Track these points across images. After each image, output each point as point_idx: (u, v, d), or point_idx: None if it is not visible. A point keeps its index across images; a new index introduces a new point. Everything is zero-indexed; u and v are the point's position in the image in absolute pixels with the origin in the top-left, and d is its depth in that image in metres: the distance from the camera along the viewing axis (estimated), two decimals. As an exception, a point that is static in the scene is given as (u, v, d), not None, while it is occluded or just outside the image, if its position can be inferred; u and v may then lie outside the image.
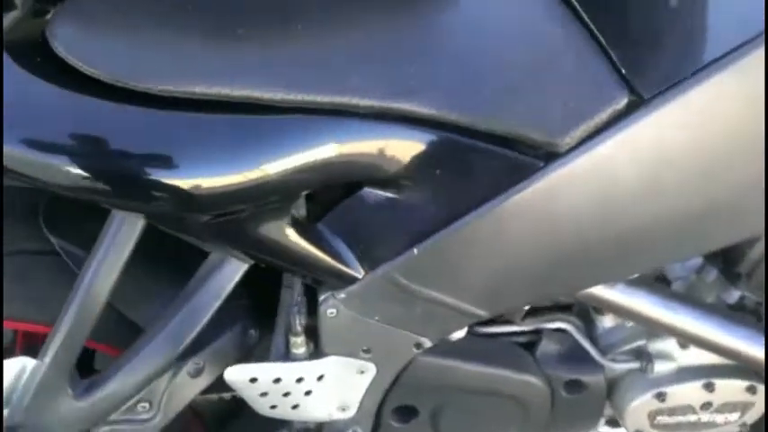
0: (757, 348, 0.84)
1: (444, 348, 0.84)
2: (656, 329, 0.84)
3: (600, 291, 0.80)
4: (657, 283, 0.86)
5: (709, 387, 0.89)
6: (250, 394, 0.76)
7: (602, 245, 0.71)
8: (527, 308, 0.88)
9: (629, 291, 0.80)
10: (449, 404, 0.87)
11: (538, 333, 0.89)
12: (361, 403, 0.82)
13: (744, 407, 0.92)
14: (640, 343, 0.89)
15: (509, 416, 0.90)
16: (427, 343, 0.78)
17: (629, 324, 0.89)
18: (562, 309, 0.91)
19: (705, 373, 0.89)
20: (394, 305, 0.74)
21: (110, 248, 0.66)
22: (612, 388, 0.91)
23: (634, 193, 0.68)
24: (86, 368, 0.84)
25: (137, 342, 0.71)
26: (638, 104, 0.66)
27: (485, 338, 0.88)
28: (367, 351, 0.78)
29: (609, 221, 0.70)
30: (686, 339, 0.84)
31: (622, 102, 0.65)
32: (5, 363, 0.66)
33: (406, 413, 0.88)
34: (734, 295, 0.89)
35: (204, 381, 0.76)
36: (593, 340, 0.90)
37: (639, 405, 0.89)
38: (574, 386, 0.89)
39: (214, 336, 0.77)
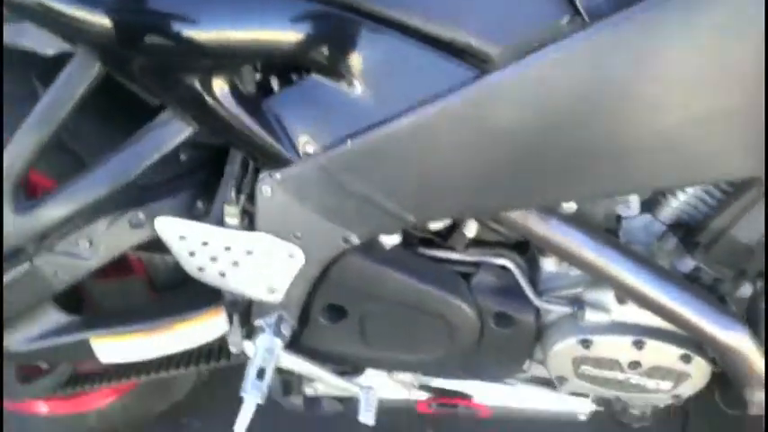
0: (692, 313, 0.81)
1: (379, 255, 0.85)
2: (584, 270, 0.83)
3: (537, 224, 0.79)
4: (599, 230, 0.84)
5: (639, 345, 0.87)
6: (179, 251, 0.80)
7: (529, 164, 0.70)
8: (470, 236, 0.89)
9: (566, 228, 0.80)
10: (377, 312, 0.89)
11: (477, 266, 0.91)
12: (289, 290, 0.84)
13: (677, 376, 0.90)
14: (578, 291, 0.88)
15: (436, 336, 0.91)
16: (355, 239, 0.79)
17: (572, 272, 0.89)
18: (507, 246, 0.92)
19: (637, 332, 0.87)
20: (325, 195, 0.76)
21: (65, 86, 0.71)
22: (542, 330, 0.91)
23: (566, 114, 0.67)
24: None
25: (78, 174, 0.77)
26: (580, 25, 0.65)
27: (423, 258, 0.91)
28: (297, 237, 0.80)
29: (538, 140, 0.69)
30: (617, 287, 0.82)
31: (564, 20, 0.65)
32: None
33: (335, 313, 0.91)
34: (688, 264, 0.86)
35: (143, 234, 0.81)
36: (533, 281, 0.90)
37: (564, 348, 0.88)
38: (503, 320, 0.89)
39: (160, 195, 0.82)
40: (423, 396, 1.11)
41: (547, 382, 1.05)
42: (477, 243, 0.90)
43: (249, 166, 0.79)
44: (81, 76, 0.70)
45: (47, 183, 0.89)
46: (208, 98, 0.71)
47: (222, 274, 0.82)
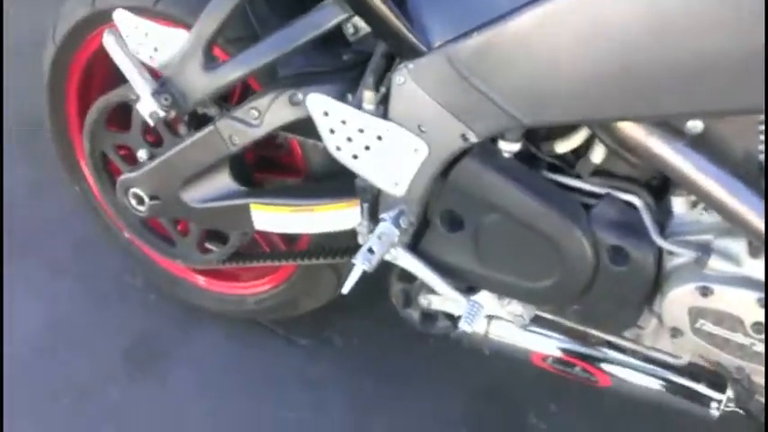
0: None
1: (498, 163, 0.89)
2: (707, 203, 0.76)
3: (658, 144, 0.76)
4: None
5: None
6: (322, 127, 0.91)
7: (645, 67, 0.69)
8: (596, 162, 0.87)
9: (691, 153, 0.75)
10: (491, 226, 0.92)
11: (601, 198, 0.88)
12: (412, 185, 0.91)
13: None
14: (707, 238, 0.82)
15: (547, 262, 0.90)
16: (473, 137, 0.83)
17: (704, 218, 0.83)
18: (636, 182, 0.88)
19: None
20: (449, 87, 0.81)
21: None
22: (661, 276, 0.85)
23: (687, 15, 0.65)
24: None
25: (251, 46, 0.92)
26: None
27: (544, 179, 0.91)
28: (422, 130, 0.87)
29: (656, 42, 0.67)
30: (742, 226, 0.75)
31: None
32: (173, 31, 0.94)
33: (454, 223, 0.95)
34: None
35: (298, 112, 0.94)
36: (659, 223, 0.85)
37: (681, 294, 0.82)
38: (619, 256, 0.87)
39: (318, 82, 0.93)
40: (538, 348, 1.11)
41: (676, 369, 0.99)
42: (604, 174, 0.89)
43: (382, 51, 0.88)
44: None
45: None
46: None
47: (355, 156, 0.92)
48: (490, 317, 1.10)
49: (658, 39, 0.68)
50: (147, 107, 0.95)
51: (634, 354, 1.03)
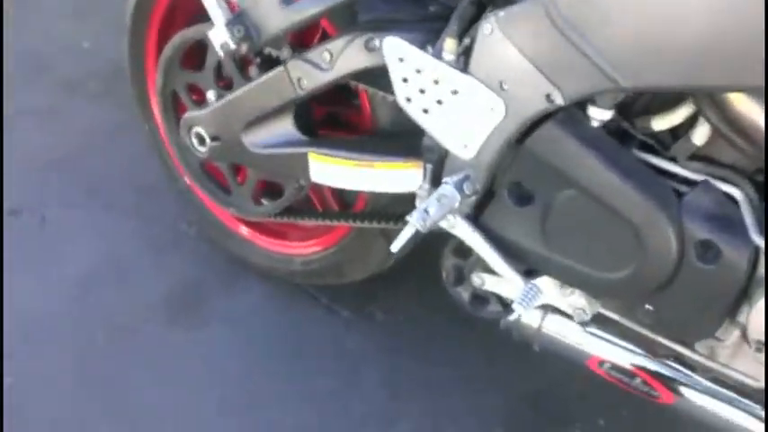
0: None
1: (584, 133, 0.80)
2: None
3: None
4: None
5: None
6: (396, 74, 0.85)
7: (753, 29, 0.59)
8: (698, 144, 0.78)
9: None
10: (565, 204, 0.83)
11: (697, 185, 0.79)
12: (482, 149, 0.84)
13: None
14: (815, 243, 0.71)
15: (624, 251, 0.81)
16: (559, 98, 0.75)
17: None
18: (740, 172, 0.78)
19: None
20: (541, 39, 0.74)
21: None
22: (753, 281, 0.75)
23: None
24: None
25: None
26: None
27: (634, 157, 0.82)
28: (503, 87, 0.79)
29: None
30: None
31: None
32: None
33: (522, 197, 0.88)
34: None
35: (373, 59, 0.88)
36: (759, 218, 0.75)
37: (772, 304, 0.71)
38: (708, 252, 0.76)
39: (398, 29, 0.86)
40: (596, 352, 1.01)
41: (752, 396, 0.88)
42: (704, 160, 0.79)
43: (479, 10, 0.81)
44: None
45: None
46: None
47: (425, 111, 0.85)
48: (546, 308, 1.02)
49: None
50: (220, 37, 0.91)
51: (706, 371, 0.93)
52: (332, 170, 1.00)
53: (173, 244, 1.55)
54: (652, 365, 0.97)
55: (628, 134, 0.82)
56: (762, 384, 0.85)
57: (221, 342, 1.37)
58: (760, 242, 0.73)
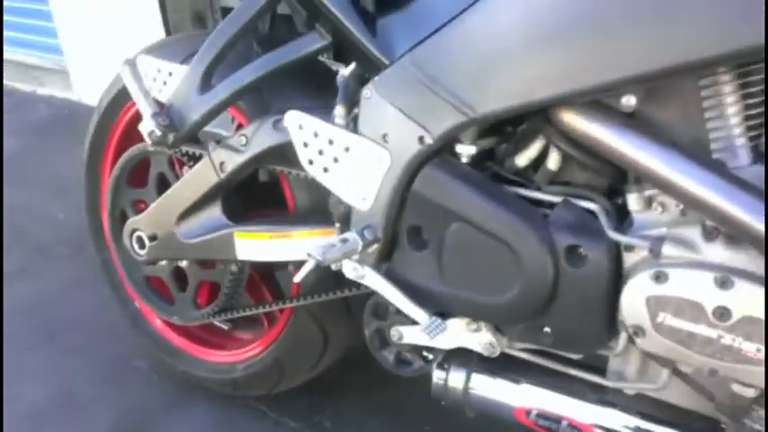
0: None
1: (457, 170, 0.92)
2: (644, 177, 0.75)
3: (596, 127, 0.78)
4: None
5: (725, 283, 0.72)
6: (297, 140, 0.98)
7: (583, 40, 0.74)
8: (553, 168, 0.89)
9: (627, 132, 0.76)
10: (453, 238, 0.92)
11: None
12: (377, 198, 0.95)
13: None
14: (662, 230, 0.79)
15: (509, 273, 0.88)
16: (429, 139, 0.88)
17: (659, 211, 0.81)
18: (593, 188, 0.88)
19: (724, 269, 0.72)
20: (408, 93, 0.89)
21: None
22: (621, 278, 0.81)
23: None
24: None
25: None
26: None
27: (504, 189, 0.92)
28: (385, 140, 0.92)
29: (589, 17, 0.73)
30: (680, 198, 0.73)
31: None
32: (181, 67, 1.07)
33: (419, 241, 0.97)
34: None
35: (281, 137, 1.01)
36: (615, 221, 0.83)
37: (636, 285, 0.77)
38: (575, 256, 0.85)
39: (302, 108, 1.03)
40: (522, 402, 1.02)
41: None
42: (563, 183, 0.90)
43: (352, 70, 0.97)
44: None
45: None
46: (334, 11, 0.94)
47: (325, 170, 0.97)
48: (469, 372, 1.05)
49: (578, 15, 0.74)
50: (147, 127, 1.06)
51: (616, 396, 0.94)
52: (254, 245, 1.09)
53: (124, 378, 1.58)
54: (574, 406, 0.99)
55: (499, 175, 0.95)
56: (661, 385, 0.88)
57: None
58: (615, 236, 0.82)
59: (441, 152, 0.92)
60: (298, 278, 0.91)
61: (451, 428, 1.36)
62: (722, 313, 0.74)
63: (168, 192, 1.18)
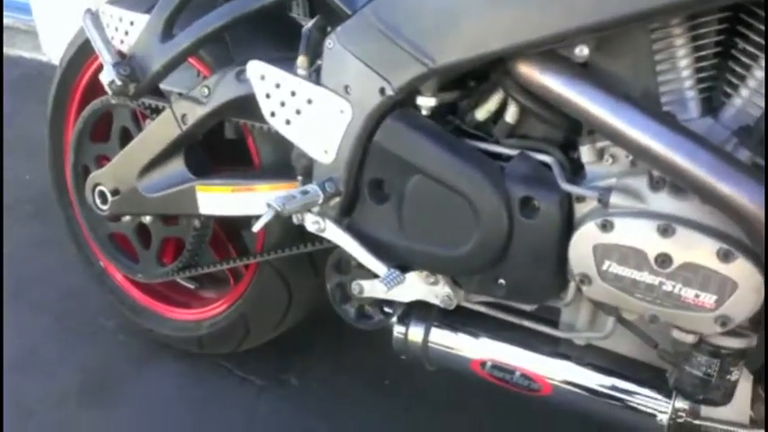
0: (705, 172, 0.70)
1: (418, 122, 0.93)
2: (596, 128, 0.77)
3: (550, 77, 0.79)
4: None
5: (667, 231, 0.74)
6: (259, 92, 0.98)
7: None
8: (511, 122, 0.90)
9: (579, 82, 0.78)
10: (412, 191, 0.93)
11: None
12: (339, 150, 0.95)
13: (720, 285, 0.73)
14: (611, 181, 0.81)
15: (465, 225, 0.90)
16: (389, 90, 0.88)
17: (610, 162, 0.83)
18: (549, 141, 0.90)
19: (667, 218, 0.75)
20: (369, 43, 0.89)
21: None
22: (571, 229, 0.83)
23: None
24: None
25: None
26: None
27: (463, 141, 0.93)
28: (347, 91, 0.93)
29: None
30: (627, 147, 0.75)
31: None
32: (142, 16, 1.06)
33: (380, 194, 0.97)
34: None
35: (243, 88, 1.01)
36: (568, 173, 0.86)
37: (584, 234, 0.80)
38: (529, 208, 0.87)
39: (266, 59, 1.02)
40: (478, 354, 1.05)
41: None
42: (520, 137, 0.92)
43: (315, 22, 0.97)
44: None
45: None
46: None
47: (288, 122, 0.98)
48: (428, 326, 1.08)
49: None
50: (108, 76, 1.05)
51: (568, 348, 0.98)
52: (217, 199, 1.09)
53: (90, 336, 1.58)
54: (527, 357, 1.02)
55: (459, 129, 0.96)
56: (607, 332, 0.91)
57: (131, 419, 1.36)
58: (566, 187, 0.84)
59: (402, 104, 0.93)
60: (256, 228, 0.92)
61: (413, 384, 1.40)
62: (664, 260, 0.76)
63: (130, 145, 1.17)
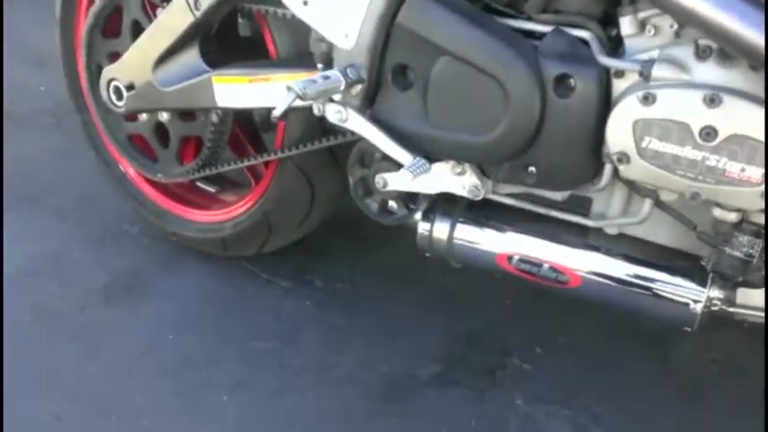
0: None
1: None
2: None
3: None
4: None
5: (713, 101, 0.70)
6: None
7: None
8: (547, -4, 0.84)
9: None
10: (439, 75, 0.89)
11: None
12: (360, 34, 0.90)
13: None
14: (654, 53, 0.76)
15: (495, 109, 0.86)
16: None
17: (652, 34, 0.77)
18: (586, 15, 0.84)
19: (714, 88, 0.70)
20: None
21: None
22: (609, 109, 0.79)
23: None
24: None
25: None
26: None
27: (495, 19, 0.88)
28: (368, -33, 0.87)
29: None
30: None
31: None
32: None
33: (405, 82, 0.93)
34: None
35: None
36: (606, 47, 0.80)
37: (623, 108, 0.75)
38: (564, 85, 0.82)
39: None
40: (505, 248, 1.03)
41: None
42: (555, 12, 0.86)
43: None
44: None
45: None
46: None
47: (305, 3, 0.92)
48: (453, 222, 1.05)
49: None
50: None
51: (597, 239, 0.95)
52: (234, 90, 1.05)
53: (114, 241, 1.57)
54: (556, 249, 1.00)
55: (488, 6, 0.89)
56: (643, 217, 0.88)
57: (158, 315, 1.37)
58: (605, 61, 0.78)
59: (427, -20, 0.87)
60: (277, 112, 0.88)
61: (436, 286, 1.40)
62: (709, 132, 0.72)
63: (143, 35, 1.12)
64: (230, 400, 1.21)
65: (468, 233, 1.07)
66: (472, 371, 1.23)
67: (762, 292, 0.84)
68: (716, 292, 0.91)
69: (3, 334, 1.29)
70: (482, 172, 0.96)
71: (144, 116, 1.27)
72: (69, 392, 1.21)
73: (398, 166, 0.98)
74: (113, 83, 1.20)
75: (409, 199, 1.08)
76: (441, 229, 1.08)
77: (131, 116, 1.29)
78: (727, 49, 0.70)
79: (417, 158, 0.92)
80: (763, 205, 0.73)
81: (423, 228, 1.09)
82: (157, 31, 1.10)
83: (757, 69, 0.69)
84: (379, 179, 1.03)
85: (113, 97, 1.22)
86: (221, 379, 1.25)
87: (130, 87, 1.18)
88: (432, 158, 0.96)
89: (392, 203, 1.07)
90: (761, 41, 0.66)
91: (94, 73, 1.31)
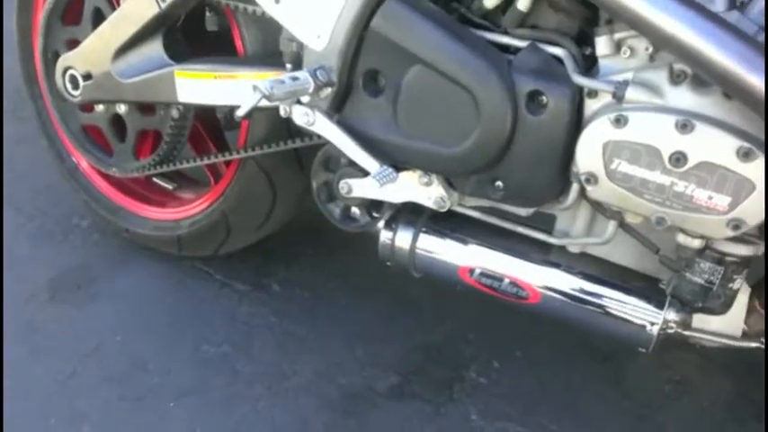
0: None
1: (423, 6, 0.85)
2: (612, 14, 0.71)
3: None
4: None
5: (685, 127, 0.70)
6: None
7: None
8: (523, 10, 0.83)
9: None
10: (410, 82, 0.87)
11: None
12: (332, 36, 0.88)
13: (735, 186, 0.69)
14: (627, 75, 0.76)
15: (466, 121, 0.84)
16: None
17: (627, 56, 0.77)
18: (562, 33, 0.83)
19: (686, 114, 0.70)
20: None
21: None
22: (578, 122, 0.79)
23: None
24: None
25: None
26: None
27: (470, 30, 0.86)
28: (341, -31, 0.85)
29: None
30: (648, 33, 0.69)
31: None
32: None
33: (376, 88, 0.91)
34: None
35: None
36: (580, 66, 0.80)
37: (595, 129, 0.75)
38: (536, 103, 0.81)
39: None
40: (467, 261, 1.02)
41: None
42: (531, 27, 0.85)
43: None
44: None
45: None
46: None
47: (277, 1, 0.89)
48: (416, 232, 1.04)
49: None
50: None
51: (559, 257, 0.95)
52: (198, 86, 1.01)
53: (63, 235, 1.52)
54: (517, 264, 0.99)
55: (465, 17, 0.88)
56: (607, 237, 0.88)
57: (106, 315, 1.32)
58: (579, 80, 0.78)
59: (403, -15, 0.85)
60: (241, 112, 0.85)
61: (397, 295, 1.38)
62: (678, 158, 0.72)
63: (104, 23, 1.07)
64: (178, 407, 1.16)
65: (431, 244, 1.05)
66: (430, 383, 1.21)
67: (719, 318, 0.85)
68: (672, 315, 0.91)
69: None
70: (449, 184, 0.95)
71: (100, 107, 1.22)
72: (8, 392, 1.16)
73: (364, 172, 0.96)
74: (70, 71, 1.15)
75: (373, 206, 1.06)
76: (403, 239, 1.06)
77: (87, 106, 1.24)
78: (702, 75, 0.70)
79: (384, 167, 0.90)
80: (729, 234, 0.73)
81: (385, 236, 1.07)
82: (120, 21, 1.05)
83: (731, 97, 0.70)
84: (344, 185, 1.00)
85: (69, 86, 1.16)
86: (170, 385, 1.21)
87: (87, 77, 1.13)
88: (399, 167, 0.95)
89: (355, 210, 1.05)
90: (738, 70, 0.66)
91: (51, 60, 1.25)
